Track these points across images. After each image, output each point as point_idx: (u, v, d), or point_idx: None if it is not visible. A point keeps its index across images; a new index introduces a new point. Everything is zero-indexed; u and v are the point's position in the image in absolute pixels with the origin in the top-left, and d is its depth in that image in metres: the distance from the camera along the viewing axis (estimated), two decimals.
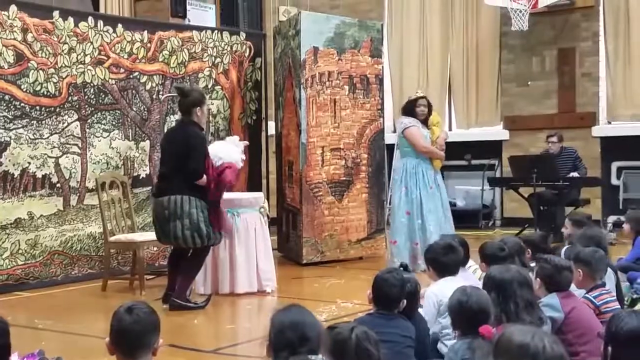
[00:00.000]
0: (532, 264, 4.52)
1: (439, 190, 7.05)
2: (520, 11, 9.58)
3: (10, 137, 6.42)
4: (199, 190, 5.49)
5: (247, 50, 8.18)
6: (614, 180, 9.89)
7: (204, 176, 5.49)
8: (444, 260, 4.02)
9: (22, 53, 6.46)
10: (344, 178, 7.78)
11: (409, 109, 7.15)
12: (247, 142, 6.68)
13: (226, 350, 4.45)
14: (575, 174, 8.79)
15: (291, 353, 2.46)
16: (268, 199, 6.87)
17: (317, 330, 2.55)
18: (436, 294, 3.83)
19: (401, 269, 3.73)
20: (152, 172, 7.39)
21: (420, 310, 3.74)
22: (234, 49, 8.05)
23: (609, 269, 4.39)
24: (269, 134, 8.63)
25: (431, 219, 6.88)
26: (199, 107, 5.60)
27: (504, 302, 3.16)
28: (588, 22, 9.98)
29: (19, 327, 4.80)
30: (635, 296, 4.78)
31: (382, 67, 8.41)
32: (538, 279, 3.67)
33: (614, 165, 9.91)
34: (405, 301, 3.38)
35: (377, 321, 3.25)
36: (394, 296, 3.36)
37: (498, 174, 10.47)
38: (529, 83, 10.33)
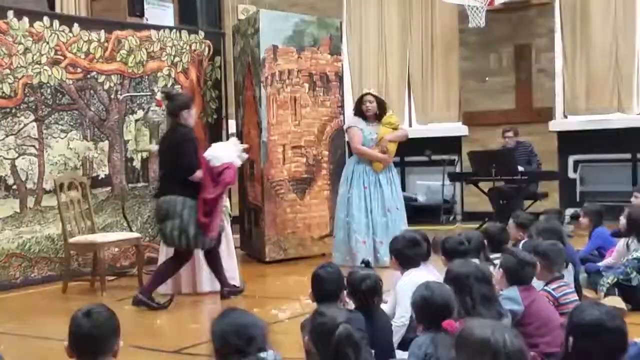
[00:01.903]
0: (492, 256, 4.59)
1: (380, 190, 7.05)
2: (477, 8, 9.69)
3: None
4: (194, 190, 5.56)
5: (206, 49, 8.14)
6: (571, 174, 10.06)
7: (198, 171, 5.57)
8: (409, 254, 4.09)
9: None
10: (306, 175, 7.79)
11: (357, 106, 7.21)
12: (247, 145, 6.63)
13: (189, 350, 4.43)
14: (521, 169, 8.89)
15: (241, 357, 2.46)
16: (230, 198, 6.84)
17: (260, 326, 2.55)
18: (409, 285, 3.85)
19: (362, 265, 3.76)
20: (112, 172, 7.32)
21: (383, 305, 3.77)
22: (193, 48, 8.01)
23: (569, 262, 4.48)
24: (229, 132, 8.60)
25: (357, 218, 6.99)
26: (186, 110, 5.74)
27: (461, 296, 3.20)
28: (543, 18, 10.13)
29: None
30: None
31: (342, 64, 8.44)
32: (501, 269, 3.73)
33: (571, 159, 10.08)
34: (345, 292, 3.41)
35: None
36: (329, 291, 3.38)
37: (458, 169, 10.57)
38: (487, 79, 10.45)
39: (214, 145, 6.24)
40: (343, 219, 7.13)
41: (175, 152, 5.58)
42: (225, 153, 5.88)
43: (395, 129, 7.22)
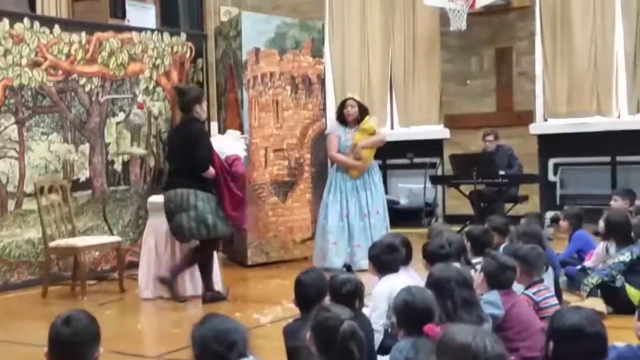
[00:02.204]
0: (474, 260, 4.62)
1: (356, 195, 7.06)
2: (458, 11, 9.74)
3: None
4: (205, 183, 5.72)
5: (188, 51, 8.11)
6: (551, 177, 10.14)
7: (211, 168, 5.72)
8: (385, 259, 4.10)
9: None
10: (288, 179, 7.79)
11: (339, 110, 7.24)
12: (246, 135, 6.85)
13: (171, 356, 4.42)
14: (502, 172, 8.94)
15: None
16: None
17: (241, 332, 2.56)
18: (385, 290, 3.89)
19: (344, 269, 3.78)
20: (92, 175, 7.28)
21: (364, 309, 3.78)
22: (174, 50, 7.98)
23: (549, 266, 4.51)
24: (211, 134, 8.57)
25: (330, 221, 7.04)
26: (198, 104, 5.87)
27: (442, 300, 3.21)
28: (524, 22, 10.21)
29: None
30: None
31: (324, 67, 8.45)
32: (482, 273, 3.75)
33: (551, 162, 10.15)
34: (334, 299, 3.42)
35: (301, 326, 3.29)
36: (311, 297, 3.40)
37: (439, 172, 10.61)
38: (468, 82, 10.51)
39: (216, 137, 6.30)
40: (320, 222, 7.20)
41: (190, 147, 5.65)
42: (231, 146, 6.07)
43: (372, 134, 7.20)
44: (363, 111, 7.19)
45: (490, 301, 3.58)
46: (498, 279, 3.69)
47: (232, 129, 7.15)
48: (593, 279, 4.97)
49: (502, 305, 3.57)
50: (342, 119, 7.18)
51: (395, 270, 4.10)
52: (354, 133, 7.16)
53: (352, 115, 7.11)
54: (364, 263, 5.39)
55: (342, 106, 7.23)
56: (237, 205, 5.88)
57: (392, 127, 11.43)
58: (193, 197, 5.66)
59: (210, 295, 5.84)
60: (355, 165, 7.10)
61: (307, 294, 3.42)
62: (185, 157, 5.70)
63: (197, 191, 5.68)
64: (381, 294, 3.91)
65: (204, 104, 6.02)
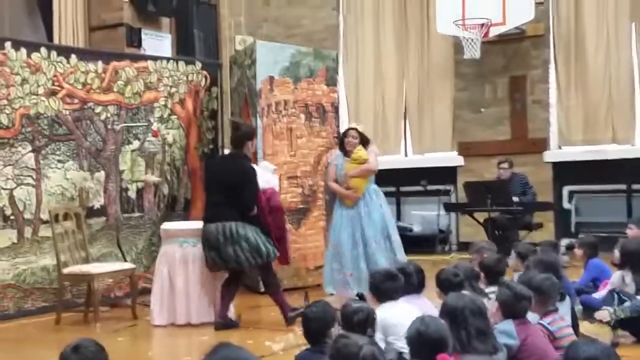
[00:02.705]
0: (488, 290, 4.58)
1: (350, 224, 6.96)
2: (472, 40, 9.77)
3: None
4: (250, 217, 5.89)
5: (203, 79, 8.18)
6: (566, 204, 10.09)
7: (255, 208, 5.90)
8: (383, 287, 4.11)
9: None
10: (301, 206, 7.80)
11: (340, 140, 7.23)
12: (276, 167, 6.94)
13: None
14: (516, 199, 8.89)
15: None
16: None
17: None
18: (380, 318, 3.87)
19: (357, 298, 3.77)
20: (107, 202, 7.32)
21: (376, 337, 3.76)
22: (189, 78, 8.05)
23: (566, 295, 4.47)
24: None
25: (328, 249, 7.10)
26: (250, 141, 6.09)
27: (456, 330, 3.19)
28: (538, 50, 10.23)
29: None
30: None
31: (338, 95, 8.48)
32: (497, 302, 3.72)
33: (566, 190, 10.11)
34: (332, 330, 3.42)
35: (311, 356, 3.28)
36: (315, 330, 3.40)
37: (453, 199, 10.59)
38: (482, 110, 10.52)
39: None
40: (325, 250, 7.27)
41: (240, 185, 5.82)
42: (265, 179, 6.19)
43: (362, 163, 7.13)
44: (365, 142, 7.13)
45: (505, 331, 3.55)
46: (513, 309, 3.66)
47: (265, 161, 7.14)
48: (625, 312, 4.87)
49: (516, 335, 3.54)
50: (343, 148, 7.16)
51: (393, 298, 4.09)
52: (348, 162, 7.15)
53: (352, 146, 7.06)
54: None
55: (344, 135, 7.22)
56: (277, 239, 6.03)
57: (405, 155, 11.43)
58: (242, 228, 5.81)
59: (222, 323, 5.85)
60: (347, 195, 7.02)
61: (312, 328, 3.43)
62: (234, 192, 5.82)
63: (244, 224, 5.83)
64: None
65: (255, 141, 6.23)
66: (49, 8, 9.19)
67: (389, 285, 4.11)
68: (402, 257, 6.90)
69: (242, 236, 5.80)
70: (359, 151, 7.04)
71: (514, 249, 5.41)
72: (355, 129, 7.14)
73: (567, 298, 4.57)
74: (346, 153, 7.09)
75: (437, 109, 11.00)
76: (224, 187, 5.89)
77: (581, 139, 10.09)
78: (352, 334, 2.80)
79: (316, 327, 3.41)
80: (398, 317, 3.79)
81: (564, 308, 4.41)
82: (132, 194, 7.55)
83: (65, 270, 6.37)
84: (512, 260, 5.38)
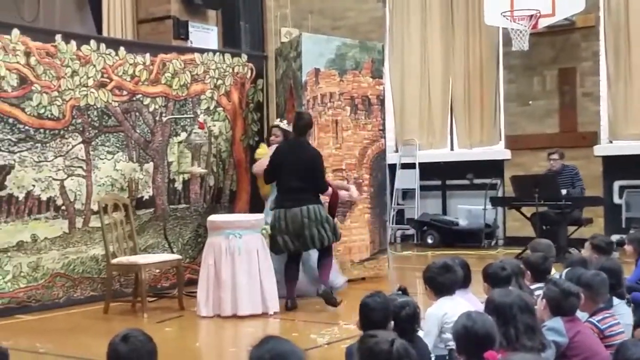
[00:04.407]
0: (533, 287, 4.51)
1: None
2: (521, 31, 9.64)
3: (14, 160, 6.43)
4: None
5: (249, 71, 8.21)
6: (616, 199, 9.90)
7: (330, 189, 6.54)
8: (441, 280, 4.02)
9: (26, 76, 6.49)
10: (346, 199, 7.77)
11: (267, 137, 7.41)
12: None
13: None
14: (564, 191, 8.74)
15: None
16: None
17: (299, 357, 2.53)
18: (436, 313, 3.84)
19: (399, 292, 3.73)
20: (155, 193, 7.40)
21: (420, 332, 3.73)
22: (235, 70, 8.09)
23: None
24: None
25: None
26: (311, 129, 6.63)
27: (504, 326, 3.14)
28: (588, 42, 10.04)
29: (20, 352, 4.81)
30: None
31: (384, 87, 8.44)
32: (544, 300, 3.66)
33: (616, 184, 9.92)
34: (393, 323, 3.37)
35: None
36: (376, 320, 3.34)
37: (500, 194, 10.47)
38: (530, 102, 10.37)
39: None
40: None
41: (313, 169, 6.34)
42: None
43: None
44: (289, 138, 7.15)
45: (554, 328, 3.49)
46: (561, 306, 3.59)
47: None
48: None
49: (565, 333, 3.48)
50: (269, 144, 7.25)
51: (450, 292, 4.02)
52: None
53: (274, 143, 7.09)
54: None
55: (268, 133, 7.32)
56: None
57: (451, 148, 11.34)
58: (323, 210, 6.36)
59: (326, 291, 6.22)
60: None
61: (373, 318, 3.36)
62: (310, 177, 6.30)
63: (321, 206, 6.38)
64: (434, 317, 3.85)
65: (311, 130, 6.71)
66: (98, 1, 9.33)
67: (448, 277, 4.01)
68: None
69: (325, 217, 6.30)
70: (259, 148, 7.33)
71: (590, 240, 5.34)
72: (278, 127, 7.14)
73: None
74: None
75: (484, 102, 10.88)
76: (300, 173, 6.28)
77: (632, 133, 9.87)
78: (376, 331, 2.74)
79: (377, 317, 3.36)
80: (457, 312, 3.73)
81: (623, 307, 4.29)
82: (178, 185, 7.63)
83: (114, 261, 6.46)
84: (586, 252, 5.29)
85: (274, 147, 6.97)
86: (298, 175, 6.28)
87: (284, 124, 7.24)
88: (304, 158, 6.34)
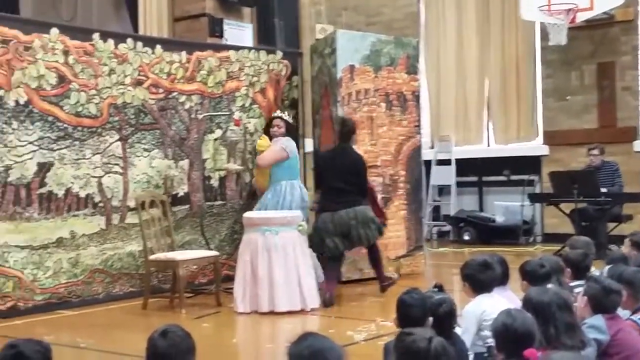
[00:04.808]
0: (572, 284, 4.45)
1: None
2: (558, 26, 9.50)
3: (54, 158, 6.52)
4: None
5: (284, 68, 8.22)
6: None
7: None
8: (480, 277, 3.98)
9: (64, 75, 6.58)
10: (382, 195, 7.75)
11: (266, 128, 7.35)
12: None
13: None
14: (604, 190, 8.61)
15: None
16: (308, 220, 6.89)
17: (338, 354, 2.52)
18: (475, 310, 3.80)
19: (435, 289, 3.70)
20: (191, 190, 7.45)
21: (457, 329, 3.70)
22: (270, 67, 8.10)
23: None
24: (305, 151, 8.64)
25: None
26: (354, 134, 6.89)
27: (543, 325, 3.09)
28: (628, 36, 9.86)
29: (62, 347, 4.87)
30: None
31: (419, 83, 8.39)
32: (585, 297, 3.61)
33: None
34: (431, 319, 3.34)
35: None
36: (414, 316, 3.32)
37: (538, 190, 10.34)
38: (568, 97, 10.23)
39: None
40: None
41: (357, 172, 6.64)
42: None
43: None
44: (291, 130, 7.25)
45: (595, 325, 3.43)
46: (602, 303, 3.53)
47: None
48: None
49: (607, 330, 3.42)
50: (269, 137, 7.21)
51: (489, 289, 3.98)
52: None
53: (276, 135, 7.07)
54: None
55: (268, 125, 7.27)
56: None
57: (488, 144, 11.24)
58: (369, 211, 6.57)
59: (387, 282, 6.69)
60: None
61: (410, 315, 3.34)
62: (353, 178, 6.57)
63: (368, 207, 6.60)
64: (472, 315, 3.81)
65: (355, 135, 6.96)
66: (135, 0, 9.41)
67: (487, 275, 3.98)
68: None
69: (370, 218, 6.52)
70: (260, 140, 7.24)
71: (629, 237, 5.29)
72: (280, 117, 7.09)
73: None
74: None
75: (521, 97, 10.75)
76: (345, 176, 6.53)
77: None
78: (413, 328, 2.71)
79: (414, 314, 3.34)
80: (495, 310, 3.69)
81: None
82: (214, 182, 7.67)
83: (152, 257, 6.52)
84: (626, 248, 5.23)
85: (277, 139, 7.02)
86: (344, 178, 6.54)
87: (286, 115, 7.27)
88: (347, 163, 6.61)
